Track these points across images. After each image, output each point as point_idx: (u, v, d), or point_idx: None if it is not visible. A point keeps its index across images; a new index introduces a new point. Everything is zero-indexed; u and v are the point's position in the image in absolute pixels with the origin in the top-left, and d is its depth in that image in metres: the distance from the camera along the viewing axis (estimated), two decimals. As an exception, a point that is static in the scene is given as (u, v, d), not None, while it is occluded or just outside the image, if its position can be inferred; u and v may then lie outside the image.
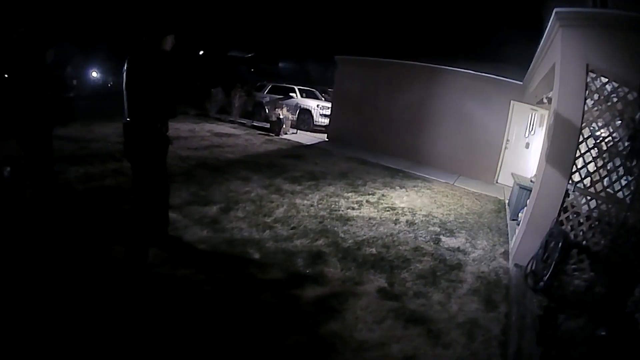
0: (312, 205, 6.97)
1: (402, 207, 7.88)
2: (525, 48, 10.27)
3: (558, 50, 5.74)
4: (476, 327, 4.15)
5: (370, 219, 6.84)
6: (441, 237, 6.61)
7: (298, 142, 14.53)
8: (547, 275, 5.09)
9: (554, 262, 5.07)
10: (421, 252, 5.84)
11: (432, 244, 6.25)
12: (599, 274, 4.69)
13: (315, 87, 21.14)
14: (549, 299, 4.91)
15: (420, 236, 6.46)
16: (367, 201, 7.81)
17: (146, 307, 3.44)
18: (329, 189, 8.27)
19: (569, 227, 5.41)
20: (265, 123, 17.01)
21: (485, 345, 3.88)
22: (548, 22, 6.22)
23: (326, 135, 16.46)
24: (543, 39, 6.99)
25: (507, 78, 12.34)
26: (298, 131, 16.75)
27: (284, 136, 15.26)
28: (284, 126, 15.52)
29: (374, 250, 5.55)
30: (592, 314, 4.25)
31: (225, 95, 18.43)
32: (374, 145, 14.56)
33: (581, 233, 5.35)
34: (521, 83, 11.65)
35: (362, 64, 15.28)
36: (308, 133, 17.14)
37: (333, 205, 7.17)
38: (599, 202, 5.28)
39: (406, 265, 5.30)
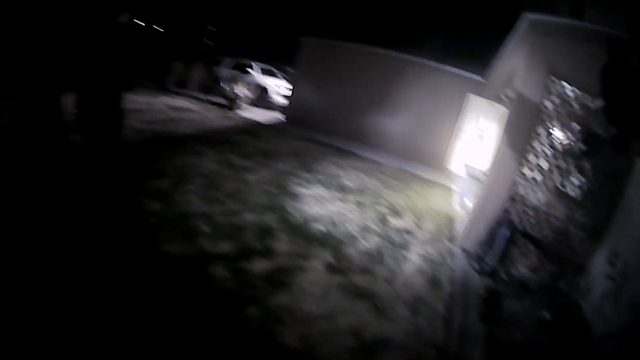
0: (263, 182, 6.92)
1: (352, 187, 7.97)
2: (489, 45, 10.49)
3: (523, 52, 5.93)
4: (421, 304, 4.28)
5: (319, 197, 6.88)
6: (388, 217, 6.74)
7: (254, 119, 14.36)
8: (493, 260, 5.33)
9: (499, 248, 5.32)
10: (368, 230, 5.95)
11: (379, 223, 6.37)
12: (544, 262, 4.92)
13: (274, 65, 20.91)
14: (494, 282, 5.14)
15: (364, 216, 6.56)
16: (317, 180, 7.85)
17: (95, 282, 3.37)
18: (281, 166, 8.23)
19: (516, 217, 5.63)
20: (222, 99, 16.71)
21: (430, 321, 4.02)
22: (516, 24, 6.36)
23: (283, 114, 16.36)
24: (511, 40, 7.14)
25: (466, 72, 12.60)
26: (254, 108, 16.56)
27: (241, 113, 15.06)
28: (241, 103, 15.32)
29: (322, 227, 5.61)
30: (536, 298, 4.48)
31: (185, 70, 18.01)
32: (329, 127, 14.56)
33: (528, 223, 5.58)
34: (481, 79, 11.93)
35: (325, 47, 15.16)
36: (264, 111, 16.99)
37: (283, 182, 7.15)
38: (549, 196, 5.51)
39: (353, 242, 5.39)
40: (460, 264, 5.67)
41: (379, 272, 4.75)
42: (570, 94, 5.42)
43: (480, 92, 12.13)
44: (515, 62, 6.46)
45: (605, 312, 3.88)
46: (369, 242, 5.53)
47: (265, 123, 14.27)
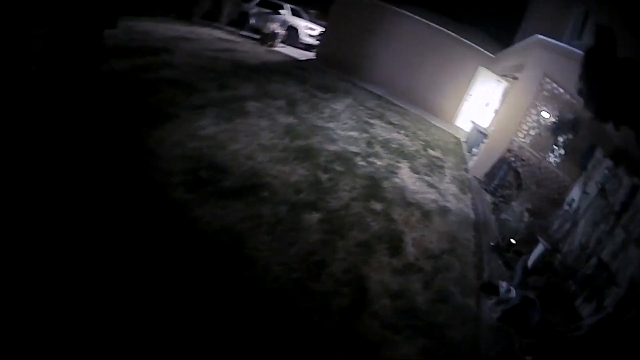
0: (343, 111, 9.18)
1: (397, 123, 10.28)
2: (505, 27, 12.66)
3: (528, 55, 8.65)
4: (459, 197, 7.02)
5: (382, 127, 9.23)
6: (427, 148, 9.12)
7: (291, 55, 15.66)
8: (494, 184, 7.97)
9: (499, 177, 7.92)
10: (419, 153, 8.36)
11: (422, 151, 8.77)
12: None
13: (300, 6, 21.57)
14: (494, 196, 7.72)
15: (414, 145, 8.93)
16: (374, 115, 10.11)
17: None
18: (347, 101, 10.40)
19: (511, 161, 8.24)
20: (252, 33, 17.39)
21: (465, 207, 6.77)
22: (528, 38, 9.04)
23: (314, 54, 17.61)
24: (521, 44, 9.98)
25: (480, 47, 14.81)
26: (285, 46, 17.56)
27: (276, 48, 16.12)
28: (276, 40, 16.40)
29: (396, 146, 8.11)
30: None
31: (213, 3, 17.70)
32: (356, 71, 15.91)
33: (519, 166, 8.19)
34: (493, 56, 14.30)
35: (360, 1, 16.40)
36: (294, 49, 18.00)
37: (358, 113, 9.49)
38: (533, 154, 8.09)
39: (414, 158, 7.93)
40: (474, 183, 8.33)
41: (433, 177, 7.24)
42: (556, 91, 7.86)
43: (490, 66, 14.21)
44: (522, 58, 8.99)
45: (564, 229, 6.55)
46: (423, 160, 7.95)
47: (303, 60, 15.74)
